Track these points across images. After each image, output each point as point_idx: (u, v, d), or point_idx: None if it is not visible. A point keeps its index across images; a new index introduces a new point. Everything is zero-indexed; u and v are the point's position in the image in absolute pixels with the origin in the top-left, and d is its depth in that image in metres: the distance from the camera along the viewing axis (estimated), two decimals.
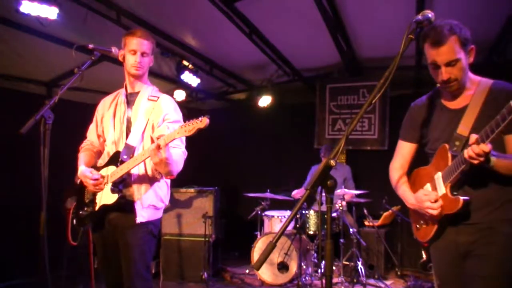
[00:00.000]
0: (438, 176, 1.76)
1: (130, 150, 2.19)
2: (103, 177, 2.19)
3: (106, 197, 2.18)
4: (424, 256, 1.98)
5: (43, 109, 1.96)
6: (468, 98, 1.74)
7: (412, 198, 1.86)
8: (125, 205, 2.16)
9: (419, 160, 2.01)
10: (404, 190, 1.95)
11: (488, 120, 1.49)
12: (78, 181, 2.34)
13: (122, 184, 2.17)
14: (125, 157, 2.16)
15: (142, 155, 2.08)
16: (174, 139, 1.96)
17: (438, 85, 1.79)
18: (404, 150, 2.01)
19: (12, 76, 4.74)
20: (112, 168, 2.20)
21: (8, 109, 4.33)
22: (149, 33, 2.35)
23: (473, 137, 1.51)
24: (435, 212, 1.70)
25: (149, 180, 2.22)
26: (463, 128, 1.69)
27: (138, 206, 2.16)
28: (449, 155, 1.71)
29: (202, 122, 1.87)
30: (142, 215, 2.16)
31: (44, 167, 1.97)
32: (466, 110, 1.72)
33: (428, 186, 1.85)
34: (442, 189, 1.73)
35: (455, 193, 1.69)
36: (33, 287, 4.19)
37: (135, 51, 2.21)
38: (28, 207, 3.40)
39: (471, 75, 1.77)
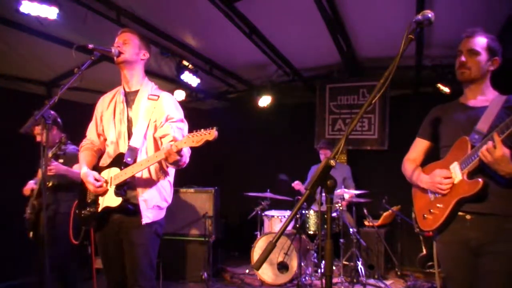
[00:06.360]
0: (455, 165, 1.86)
1: (133, 152, 2.18)
2: (106, 182, 2.19)
3: (109, 199, 2.16)
4: (424, 250, 2.02)
5: (43, 109, 1.95)
6: (488, 102, 1.92)
7: (426, 177, 1.97)
8: (129, 208, 2.16)
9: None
10: (417, 174, 2.06)
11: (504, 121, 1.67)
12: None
13: (126, 186, 2.16)
14: (129, 159, 2.15)
15: (147, 161, 2.08)
16: (181, 148, 1.97)
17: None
18: (419, 146, 2.17)
19: (12, 76, 4.74)
20: (115, 170, 2.19)
21: (8, 109, 4.32)
22: (138, 31, 2.40)
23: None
24: (444, 187, 1.84)
25: (153, 181, 2.23)
26: (483, 125, 1.84)
27: (143, 207, 2.16)
28: (469, 145, 1.82)
29: (211, 134, 1.89)
30: (147, 216, 2.17)
31: (44, 167, 1.96)
32: (486, 110, 1.88)
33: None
34: (458, 176, 1.83)
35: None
36: (33, 287, 4.19)
37: (117, 42, 2.28)
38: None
39: (491, 87, 1.98)
